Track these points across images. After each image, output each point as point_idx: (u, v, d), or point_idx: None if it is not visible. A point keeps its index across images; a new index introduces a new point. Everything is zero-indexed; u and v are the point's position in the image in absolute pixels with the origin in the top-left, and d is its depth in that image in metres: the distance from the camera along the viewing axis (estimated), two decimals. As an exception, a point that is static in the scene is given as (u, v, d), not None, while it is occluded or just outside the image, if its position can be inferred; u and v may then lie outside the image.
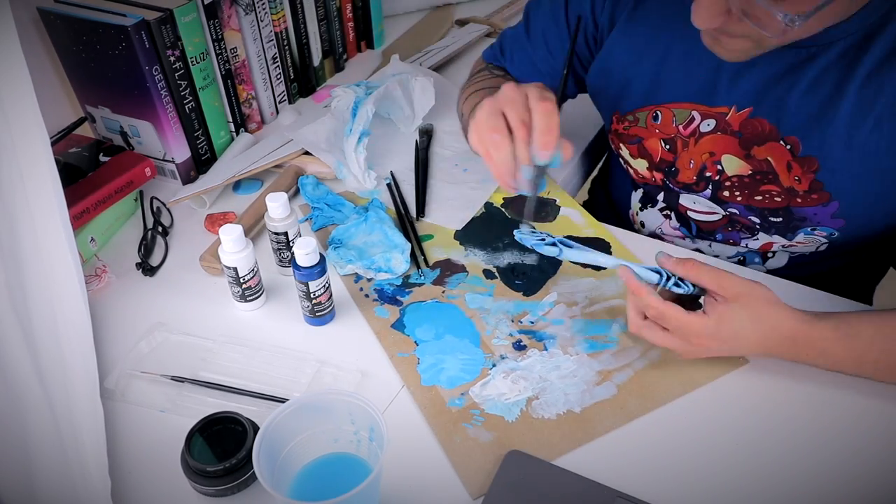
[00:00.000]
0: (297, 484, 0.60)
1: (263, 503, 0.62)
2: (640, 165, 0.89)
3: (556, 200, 0.94)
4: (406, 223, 0.90)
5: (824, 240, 0.80)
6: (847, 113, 0.70)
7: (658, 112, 0.83)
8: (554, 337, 0.76)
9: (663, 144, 0.84)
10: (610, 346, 0.74)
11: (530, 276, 0.83)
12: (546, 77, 0.94)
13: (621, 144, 0.89)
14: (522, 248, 0.86)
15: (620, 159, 0.93)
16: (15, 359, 0.63)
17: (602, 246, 0.87)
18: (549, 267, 0.84)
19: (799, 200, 0.77)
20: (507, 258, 0.85)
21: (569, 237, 0.87)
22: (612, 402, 0.69)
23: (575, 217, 0.91)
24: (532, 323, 0.77)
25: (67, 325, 0.67)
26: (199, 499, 0.63)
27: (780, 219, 0.80)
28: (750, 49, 0.68)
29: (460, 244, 0.88)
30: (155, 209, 0.94)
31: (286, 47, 1.12)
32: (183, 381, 0.71)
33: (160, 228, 0.91)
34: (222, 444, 0.63)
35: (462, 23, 1.39)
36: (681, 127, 0.81)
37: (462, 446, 0.66)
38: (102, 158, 0.91)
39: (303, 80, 1.19)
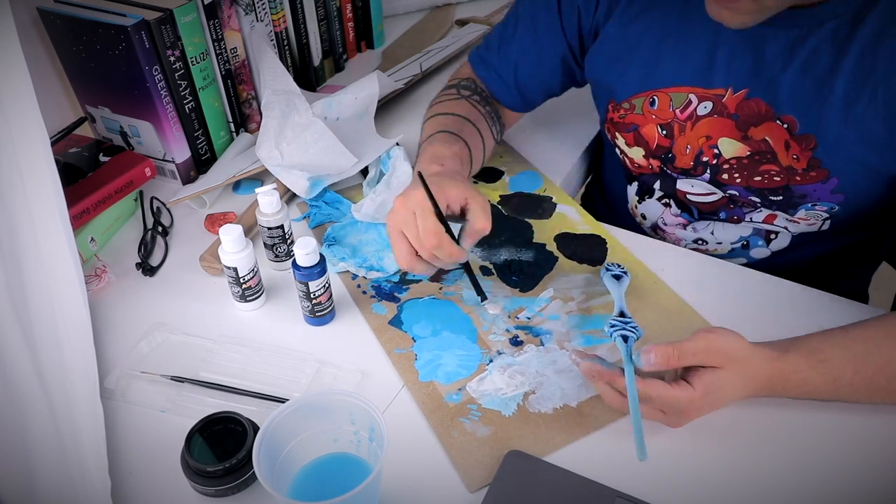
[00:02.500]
0: (297, 484, 0.60)
1: (263, 503, 0.62)
2: (635, 154, 0.89)
3: (552, 198, 0.94)
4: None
5: (826, 214, 0.81)
6: (843, 89, 0.71)
7: (655, 97, 0.83)
8: (550, 332, 0.76)
9: (660, 130, 0.84)
10: (606, 341, 0.74)
11: (526, 273, 0.83)
12: (532, 63, 0.92)
13: (617, 134, 0.89)
14: (518, 245, 0.87)
15: (616, 150, 0.93)
16: (15, 359, 0.63)
17: (598, 243, 0.87)
18: (545, 263, 0.84)
19: (798, 178, 0.77)
20: (504, 255, 0.86)
21: (565, 234, 0.88)
22: (608, 396, 0.69)
23: (571, 214, 0.91)
24: (528, 319, 0.78)
25: (67, 325, 0.67)
26: (199, 499, 0.63)
27: (781, 197, 0.80)
28: (755, 12, 0.67)
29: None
30: (155, 209, 0.94)
31: (286, 47, 1.12)
32: (183, 381, 0.71)
33: (160, 228, 0.91)
34: (222, 444, 0.63)
35: (462, 23, 1.39)
36: (678, 111, 0.82)
37: (459, 441, 0.66)
38: (102, 158, 0.91)
39: (303, 80, 1.18)
